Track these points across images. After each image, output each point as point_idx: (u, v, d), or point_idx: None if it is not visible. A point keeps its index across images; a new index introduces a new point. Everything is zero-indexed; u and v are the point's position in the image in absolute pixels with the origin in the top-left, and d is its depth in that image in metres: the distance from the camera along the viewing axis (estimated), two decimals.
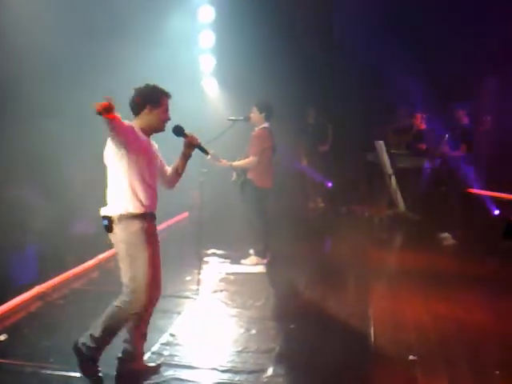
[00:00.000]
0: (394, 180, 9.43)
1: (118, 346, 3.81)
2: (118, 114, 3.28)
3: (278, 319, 4.94)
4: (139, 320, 3.79)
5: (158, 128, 3.76)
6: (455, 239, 7.97)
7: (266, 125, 6.51)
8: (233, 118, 6.37)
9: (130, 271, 3.65)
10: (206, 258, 6.63)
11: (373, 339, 4.56)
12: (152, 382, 3.79)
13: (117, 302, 3.73)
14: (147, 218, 3.68)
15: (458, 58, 9.40)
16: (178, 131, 3.86)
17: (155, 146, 3.87)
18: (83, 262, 6.06)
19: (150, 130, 3.75)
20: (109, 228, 3.65)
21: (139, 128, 3.68)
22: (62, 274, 5.62)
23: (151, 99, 3.71)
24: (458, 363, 4.18)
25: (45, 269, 5.51)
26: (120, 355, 3.82)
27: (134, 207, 3.63)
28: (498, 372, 4.04)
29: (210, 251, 6.95)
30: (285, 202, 9.59)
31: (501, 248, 6.72)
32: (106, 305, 4.95)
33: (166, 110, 3.77)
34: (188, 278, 5.86)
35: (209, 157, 4.37)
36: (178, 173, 3.96)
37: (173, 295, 5.28)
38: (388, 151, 9.53)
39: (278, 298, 5.53)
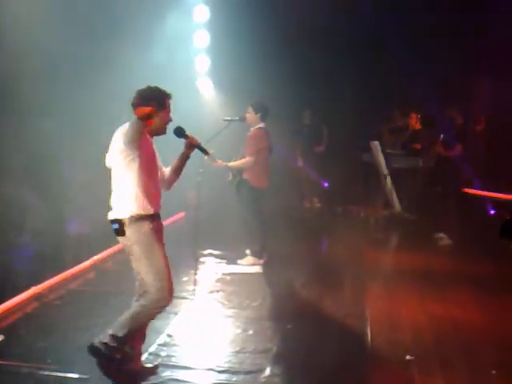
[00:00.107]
0: (389, 180, 9.46)
1: None
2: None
3: (274, 319, 4.94)
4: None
5: (161, 130, 3.77)
6: (451, 239, 7.99)
7: (261, 125, 6.51)
8: (228, 118, 6.38)
9: (151, 271, 3.67)
10: (202, 259, 6.62)
11: (369, 339, 4.57)
12: (149, 382, 3.78)
13: (142, 302, 3.73)
14: (155, 218, 3.73)
15: (453, 58, 9.42)
16: (179, 132, 3.86)
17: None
18: (79, 263, 6.05)
19: (153, 132, 3.76)
20: (120, 231, 3.65)
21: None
22: (58, 275, 5.60)
23: (155, 101, 3.70)
24: (454, 363, 4.19)
25: (41, 269, 5.49)
26: (97, 344, 3.71)
27: (143, 208, 3.65)
28: (494, 371, 4.04)
29: (206, 251, 6.95)
30: (281, 202, 9.59)
31: (497, 248, 6.73)
32: (103, 305, 5.00)
33: (169, 111, 3.79)
34: (185, 279, 5.85)
35: (207, 157, 4.38)
36: (177, 173, 3.98)
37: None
38: (383, 151, 9.56)
39: (274, 298, 5.54)
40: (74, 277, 5.81)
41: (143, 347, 3.95)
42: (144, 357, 4.04)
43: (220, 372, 3.93)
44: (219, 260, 6.78)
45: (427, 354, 4.31)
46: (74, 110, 6.51)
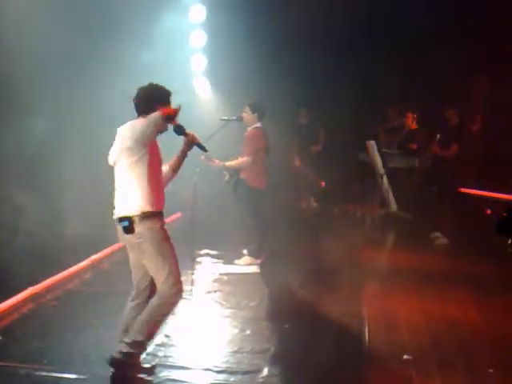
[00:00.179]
0: (385, 180, 9.47)
1: (112, 347, 3.80)
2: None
3: (272, 319, 4.94)
4: None
5: (164, 128, 3.76)
6: (447, 238, 8.01)
7: (258, 125, 6.51)
8: (225, 117, 6.37)
9: (165, 267, 3.71)
10: (199, 259, 6.62)
11: (367, 339, 4.57)
12: (147, 383, 3.77)
13: (155, 301, 3.75)
14: (162, 215, 3.78)
15: (449, 58, 9.44)
16: (180, 130, 3.87)
17: None
18: (76, 264, 6.03)
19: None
20: (130, 229, 3.64)
21: None
22: (54, 276, 5.58)
23: (161, 99, 3.75)
24: (451, 362, 4.20)
25: (37, 270, 5.47)
26: (118, 356, 3.77)
27: (152, 206, 3.67)
28: (491, 370, 4.05)
29: (203, 251, 6.95)
30: (277, 202, 9.59)
31: (493, 247, 6.75)
32: (99, 306, 4.98)
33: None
34: (182, 279, 5.82)
35: (204, 157, 4.39)
36: (175, 170, 4.01)
37: None
38: (380, 151, 9.57)
39: (272, 298, 5.54)
40: (71, 277, 5.79)
41: None
42: (142, 357, 4.01)
43: (218, 372, 3.92)
44: (216, 260, 6.78)
45: (425, 354, 4.31)
46: (70, 110, 6.50)
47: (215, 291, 5.65)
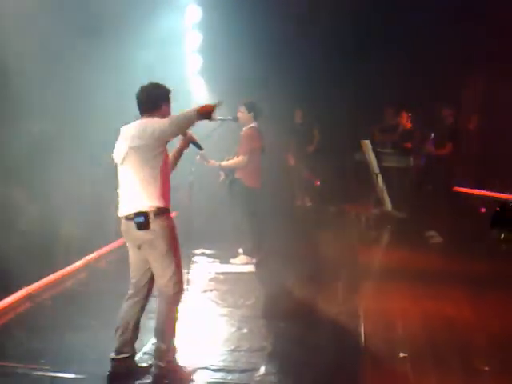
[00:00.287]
0: (380, 179, 9.49)
1: (109, 347, 3.81)
2: None
3: (269, 318, 4.95)
4: None
5: (190, 125, 3.81)
6: (442, 237, 8.04)
7: (254, 124, 6.51)
8: (221, 117, 6.35)
9: (171, 265, 3.75)
10: (195, 258, 6.62)
11: (363, 337, 4.58)
12: (143, 382, 3.77)
13: (164, 304, 3.80)
14: (170, 212, 3.80)
15: (445, 58, 9.48)
16: None
17: None
18: (72, 263, 6.02)
19: None
20: (145, 224, 3.64)
21: None
22: (50, 275, 5.57)
23: (165, 98, 3.80)
24: (447, 359, 4.22)
25: (33, 270, 5.45)
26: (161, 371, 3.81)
27: (163, 202, 3.71)
28: (487, 368, 4.08)
29: (199, 251, 6.95)
30: (272, 202, 9.59)
31: (488, 245, 6.80)
32: (95, 305, 4.99)
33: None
34: None
35: (199, 156, 4.41)
36: (171, 168, 4.03)
37: None
38: (374, 150, 9.59)
39: (268, 296, 5.55)
40: (67, 277, 5.79)
41: (137, 347, 3.94)
42: (138, 356, 4.02)
43: (215, 370, 3.93)
44: (212, 259, 6.78)
45: (421, 352, 4.33)
46: (65, 109, 6.49)
47: (211, 290, 5.65)
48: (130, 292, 3.90)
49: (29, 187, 6.18)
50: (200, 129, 6.05)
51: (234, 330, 4.66)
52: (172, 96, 3.90)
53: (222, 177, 6.61)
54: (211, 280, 6.01)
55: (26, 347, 4.13)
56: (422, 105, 9.60)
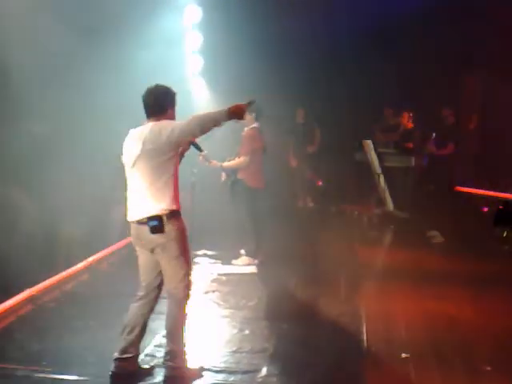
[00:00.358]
0: (382, 179, 9.48)
1: (111, 348, 3.81)
2: None
3: (271, 319, 4.94)
4: None
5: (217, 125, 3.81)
6: (444, 237, 8.03)
7: (255, 125, 6.51)
8: None
9: (183, 267, 3.76)
10: (197, 259, 6.61)
11: (365, 338, 4.58)
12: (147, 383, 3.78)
13: (175, 307, 3.82)
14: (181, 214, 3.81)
15: (445, 58, 9.48)
16: None
17: None
18: (73, 265, 6.02)
19: None
20: (160, 228, 3.63)
21: None
22: (52, 277, 5.57)
23: (172, 102, 3.81)
24: (449, 360, 4.21)
25: (35, 272, 5.46)
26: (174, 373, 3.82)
27: (176, 204, 3.71)
28: (489, 368, 4.07)
29: (200, 252, 6.94)
30: (274, 202, 9.59)
31: (489, 245, 6.78)
32: (97, 307, 4.98)
33: None
34: None
35: (201, 157, 4.41)
36: None
37: (165, 297, 5.24)
38: (376, 150, 9.58)
39: (270, 298, 5.53)
40: (68, 279, 5.79)
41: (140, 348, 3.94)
42: (140, 358, 4.01)
43: (217, 372, 3.93)
44: (214, 260, 6.77)
45: (423, 352, 4.32)
46: (64, 111, 6.48)
47: (213, 291, 5.64)
48: (140, 294, 3.91)
49: (29, 188, 6.19)
50: None
51: (235, 331, 4.65)
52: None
53: (224, 177, 6.61)
54: (213, 281, 6.00)
55: (27, 349, 4.13)
56: (422, 105, 9.59)
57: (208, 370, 3.95)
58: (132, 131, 3.80)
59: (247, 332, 4.62)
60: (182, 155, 4.01)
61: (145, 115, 3.81)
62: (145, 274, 3.88)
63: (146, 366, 3.95)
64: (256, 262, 6.57)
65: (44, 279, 5.45)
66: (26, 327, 4.58)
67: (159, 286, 3.89)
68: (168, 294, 3.85)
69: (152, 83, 3.85)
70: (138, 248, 3.87)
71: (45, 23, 5.72)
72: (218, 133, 6.01)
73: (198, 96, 9.79)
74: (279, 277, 6.13)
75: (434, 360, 4.19)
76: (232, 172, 6.49)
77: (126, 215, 3.82)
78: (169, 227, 3.65)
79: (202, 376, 3.85)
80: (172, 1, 8.52)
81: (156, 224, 3.62)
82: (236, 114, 3.65)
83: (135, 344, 3.84)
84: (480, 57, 9.44)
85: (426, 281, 6.08)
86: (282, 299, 5.53)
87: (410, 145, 9.54)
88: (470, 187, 9.04)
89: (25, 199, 6.10)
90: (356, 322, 4.89)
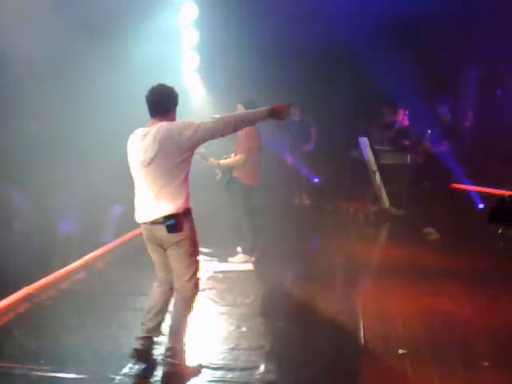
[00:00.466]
0: (378, 176, 9.50)
1: (108, 346, 3.81)
2: None
3: (267, 316, 4.96)
4: None
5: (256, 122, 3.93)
6: (440, 234, 8.05)
7: None
8: (218, 115, 6.34)
9: (194, 264, 3.82)
10: None
11: (362, 334, 4.59)
12: (144, 381, 3.78)
13: (182, 304, 3.85)
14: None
15: (444, 57, 9.49)
16: None
17: None
18: (70, 263, 6.01)
19: None
20: (177, 227, 3.65)
21: None
22: (49, 275, 5.56)
23: (174, 105, 3.83)
24: (446, 356, 4.24)
25: (32, 270, 5.46)
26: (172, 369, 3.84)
27: (188, 203, 3.74)
28: (486, 364, 4.10)
29: None
30: (270, 200, 9.61)
31: (486, 241, 6.80)
32: (94, 305, 4.98)
33: None
34: None
35: (197, 155, 4.41)
36: None
37: None
38: (372, 147, 9.59)
39: (267, 295, 5.55)
40: (65, 277, 5.78)
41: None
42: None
43: (215, 369, 3.94)
44: (210, 258, 6.77)
45: (420, 348, 4.35)
46: (62, 110, 6.48)
47: (210, 289, 5.64)
48: (159, 283, 3.98)
49: (26, 187, 6.18)
50: None
51: (232, 328, 4.66)
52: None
53: (219, 175, 6.60)
54: (210, 279, 6.00)
55: (25, 347, 4.13)
56: (418, 102, 9.60)
57: (206, 367, 3.97)
58: (138, 131, 3.78)
59: (244, 329, 4.63)
60: None
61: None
62: (162, 271, 3.96)
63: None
64: (252, 259, 6.58)
65: (41, 277, 5.44)
66: (23, 325, 4.58)
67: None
68: (176, 291, 3.87)
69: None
70: (151, 247, 3.89)
71: (43, 21, 5.71)
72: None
73: (195, 93, 9.77)
74: (276, 274, 6.15)
75: (431, 356, 4.21)
76: (228, 170, 6.49)
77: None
78: (185, 225, 3.70)
79: (200, 373, 3.87)
80: None
81: (173, 223, 3.63)
82: (279, 113, 3.73)
83: (159, 325, 3.97)
84: (478, 55, 9.46)
85: (423, 277, 6.11)
86: (279, 296, 5.55)
87: (407, 142, 9.55)
88: (466, 184, 9.06)
89: (23, 198, 6.10)
90: (353, 319, 4.90)
